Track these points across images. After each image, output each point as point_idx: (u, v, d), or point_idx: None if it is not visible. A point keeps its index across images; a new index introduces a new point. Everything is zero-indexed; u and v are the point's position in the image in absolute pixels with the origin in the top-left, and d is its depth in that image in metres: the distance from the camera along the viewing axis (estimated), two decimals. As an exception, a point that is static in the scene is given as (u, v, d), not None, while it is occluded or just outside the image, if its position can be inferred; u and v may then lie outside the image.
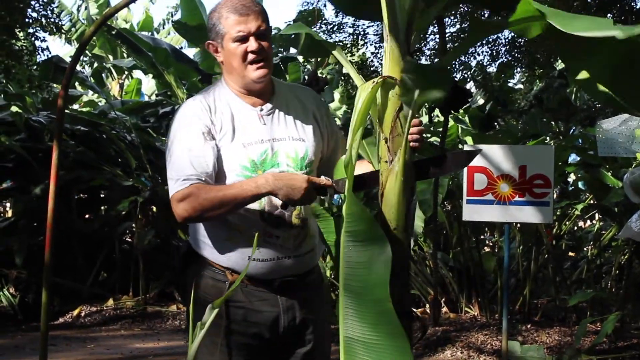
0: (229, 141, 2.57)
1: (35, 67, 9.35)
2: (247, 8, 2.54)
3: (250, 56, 2.54)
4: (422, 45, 10.32)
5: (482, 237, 9.19)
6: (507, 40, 10.38)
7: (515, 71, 12.58)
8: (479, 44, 10.85)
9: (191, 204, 2.46)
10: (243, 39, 2.54)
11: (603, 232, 8.30)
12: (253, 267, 2.54)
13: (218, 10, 2.58)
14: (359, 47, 10.62)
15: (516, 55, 10.46)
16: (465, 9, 9.60)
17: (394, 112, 2.37)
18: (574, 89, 13.07)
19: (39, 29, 8.93)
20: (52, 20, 9.01)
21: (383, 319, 2.11)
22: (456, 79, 10.43)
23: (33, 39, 9.08)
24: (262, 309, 2.63)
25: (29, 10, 8.51)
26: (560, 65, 11.85)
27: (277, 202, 2.51)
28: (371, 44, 10.50)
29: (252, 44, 2.53)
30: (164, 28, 22.28)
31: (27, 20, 8.46)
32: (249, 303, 2.61)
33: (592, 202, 7.67)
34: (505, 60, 10.75)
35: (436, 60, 7.70)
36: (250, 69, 2.56)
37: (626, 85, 2.68)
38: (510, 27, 2.47)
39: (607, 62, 2.61)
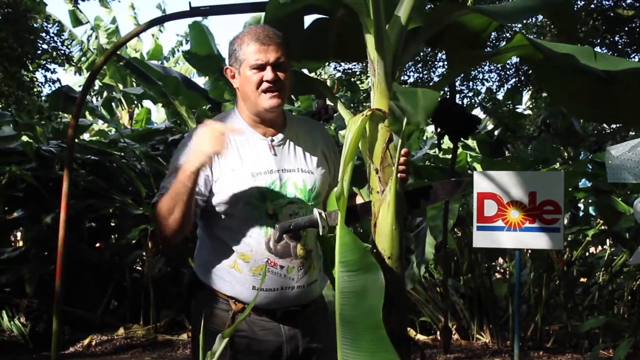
0: (237, 170, 2.60)
1: (44, 99, 9.41)
2: (269, 38, 2.58)
3: (265, 85, 2.58)
4: (430, 71, 10.36)
5: (493, 263, 9.16)
6: (513, 65, 10.43)
7: (522, 95, 12.60)
8: (487, 69, 10.90)
9: (158, 220, 2.54)
10: (260, 67, 2.57)
11: (614, 257, 8.26)
12: (260, 297, 2.55)
13: (241, 37, 2.63)
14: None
15: (522, 78, 10.50)
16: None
17: (383, 143, 2.43)
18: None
19: (49, 60, 9.00)
20: (63, 51, 9.08)
21: (378, 347, 2.12)
22: (464, 105, 10.46)
23: (44, 70, 9.14)
24: (265, 338, 2.65)
25: (40, 42, 8.59)
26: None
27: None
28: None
29: (268, 74, 2.57)
30: (173, 56, 22.40)
31: (38, 52, 8.53)
32: (252, 332, 2.63)
33: (603, 227, 7.64)
34: (513, 85, 10.79)
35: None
36: (263, 97, 2.59)
37: (605, 105, 2.82)
38: (489, 58, 2.58)
39: (586, 85, 2.72)
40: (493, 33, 9.93)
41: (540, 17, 9.51)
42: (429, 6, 3.13)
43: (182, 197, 2.45)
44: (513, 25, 9.87)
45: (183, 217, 2.49)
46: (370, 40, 2.52)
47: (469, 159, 9.97)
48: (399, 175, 2.45)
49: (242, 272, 2.60)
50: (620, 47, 9.62)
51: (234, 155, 2.61)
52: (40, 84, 9.37)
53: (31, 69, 9.27)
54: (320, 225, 2.46)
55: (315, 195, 2.68)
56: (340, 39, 3.19)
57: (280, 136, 2.70)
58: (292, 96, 9.85)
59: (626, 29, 9.23)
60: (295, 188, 2.64)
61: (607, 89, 2.79)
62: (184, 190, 2.44)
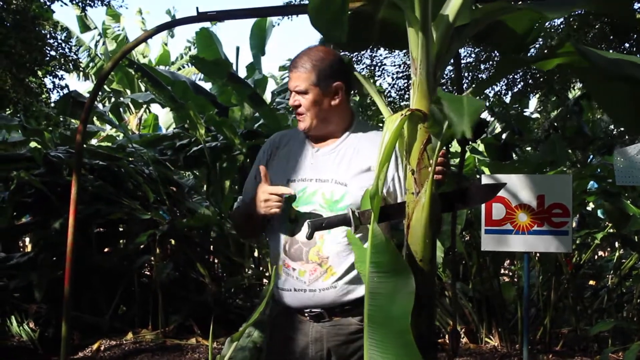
0: (278, 177, 2.78)
1: (52, 105, 9.41)
2: (295, 66, 2.74)
3: (292, 108, 2.77)
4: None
5: (501, 266, 9.14)
6: (521, 69, 10.39)
7: (529, 99, 12.57)
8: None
9: (233, 224, 2.83)
10: (290, 91, 2.77)
11: (623, 260, 8.24)
12: (282, 295, 2.77)
13: None
14: (377, 78, 10.66)
15: (530, 82, 10.47)
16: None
17: (421, 144, 2.37)
18: (590, 117, 13.01)
19: (57, 66, 9.01)
20: (71, 57, 9.09)
21: (406, 351, 2.09)
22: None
23: (52, 77, 9.15)
24: (295, 336, 2.78)
25: (48, 48, 8.59)
26: (574, 93, 11.83)
27: (298, 236, 2.71)
28: (388, 75, 10.52)
29: (290, 98, 2.77)
30: (181, 59, 22.48)
31: (46, 58, 8.53)
32: (288, 328, 2.81)
33: (611, 230, 7.62)
34: (521, 88, 10.75)
35: (454, 91, 7.69)
36: (296, 119, 2.80)
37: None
38: (532, 64, 2.49)
39: (634, 94, 2.67)
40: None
41: (557, 21, 9.38)
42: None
43: (249, 221, 2.86)
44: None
45: (252, 231, 3.01)
46: (413, 37, 2.43)
47: (477, 163, 9.96)
48: (435, 177, 2.43)
49: (273, 271, 2.73)
50: (629, 53, 9.58)
51: (282, 164, 2.84)
52: (48, 90, 9.38)
53: (40, 75, 9.29)
54: (352, 224, 2.47)
55: (342, 206, 2.69)
56: (385, 26, 3.12)
57: (328, 148, 2.82)
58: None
59: (635, 36, 9.18)
60: (322, 197, 2.72)
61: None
62: (249, 217, 2.81)
